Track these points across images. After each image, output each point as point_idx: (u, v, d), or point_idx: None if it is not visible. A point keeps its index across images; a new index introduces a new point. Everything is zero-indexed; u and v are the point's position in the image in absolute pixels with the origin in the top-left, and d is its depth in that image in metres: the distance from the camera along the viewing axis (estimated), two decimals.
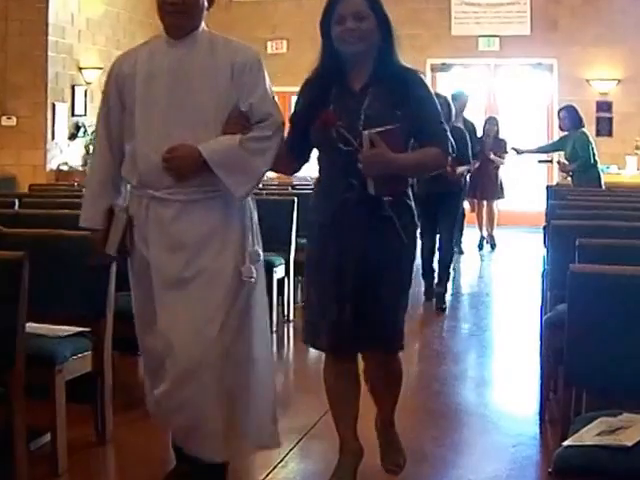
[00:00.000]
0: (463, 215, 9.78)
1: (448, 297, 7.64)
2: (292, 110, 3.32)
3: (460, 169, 7.17)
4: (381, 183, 3.08)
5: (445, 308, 7.36)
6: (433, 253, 7.47)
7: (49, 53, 12.05)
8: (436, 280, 7.49)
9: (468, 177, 8.06)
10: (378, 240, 3.14)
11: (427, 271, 7.56)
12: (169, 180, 3.11)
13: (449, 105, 7.10)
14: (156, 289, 3.17)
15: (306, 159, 3.34)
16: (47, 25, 11.95)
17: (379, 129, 3.02)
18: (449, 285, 7.75)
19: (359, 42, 3.12)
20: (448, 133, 3.21)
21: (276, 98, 3.23)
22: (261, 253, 3.30)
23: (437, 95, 7.17)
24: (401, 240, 3.15)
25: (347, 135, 3.08)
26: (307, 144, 3.24)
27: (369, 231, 3.14)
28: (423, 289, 7.59)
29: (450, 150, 3.20)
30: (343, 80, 3.19)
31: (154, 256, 3.17)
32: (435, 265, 7.53)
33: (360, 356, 3.33)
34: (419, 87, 3.21)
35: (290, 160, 3.27)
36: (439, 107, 3.25)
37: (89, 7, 12.83)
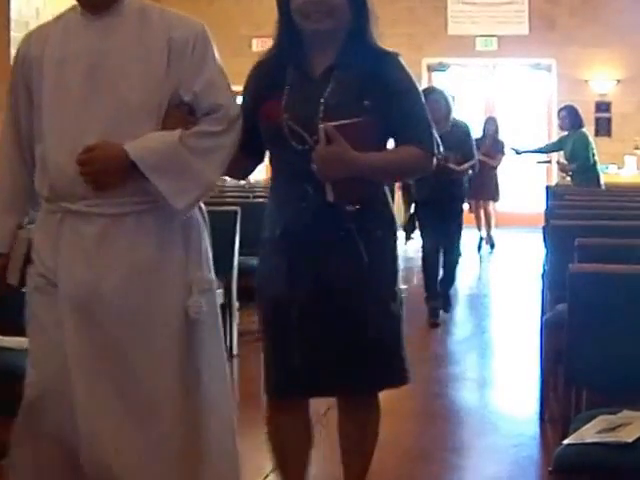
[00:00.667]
0: None
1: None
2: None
3: (464, 165, 6.67)
4: (342, 188, 2.51)
5: (450, 307, 6.90)
6: (437, 266, 6.75)
7: (12, 50, 11.81)
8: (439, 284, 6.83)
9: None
10: (336, 260, 2.59)
11: (431, 293, 6.73)
12: (87, 189, 2.38)
13: (446, 99, 6.60)
14: (70, 345, 2.39)
15: (260, 159, 2.77)
16: (9, 21, 11.41)
17: (339, 122, 2.46)
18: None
19: (326, 18, 2.53)
20: (433, 129, 2.64)
21: (231, 85, 2.54)
22: (213, 281, 2.59)
23: (433, 89, 7.00)
24: (361, 258, 2.58)
25: (300, 130, 2.53)
26: (259, 141, 2.65)
27: (325, 249, 2.59)
28: (427, 311, 6.73)
29: (435, 150, 2.64)
30: (302, 63, 2.62)
31: (67, 295, 2.40)
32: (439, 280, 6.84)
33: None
34: (395, 71, 2.61)
35: (240, 160, 2.59)
36: (422, 97, 2.66)
37: (55, 1, 12.50)
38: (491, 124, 11.50)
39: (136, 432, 2.41)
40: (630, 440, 2.38)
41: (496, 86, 14.65)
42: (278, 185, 2.70)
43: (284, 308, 2.62)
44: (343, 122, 2.46)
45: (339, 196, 2.52)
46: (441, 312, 6.84)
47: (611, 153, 12.62)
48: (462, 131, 6.76)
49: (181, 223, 2.49)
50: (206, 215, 2.63)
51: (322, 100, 2.55)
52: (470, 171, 7.00)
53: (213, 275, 2.60)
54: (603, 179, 9.58)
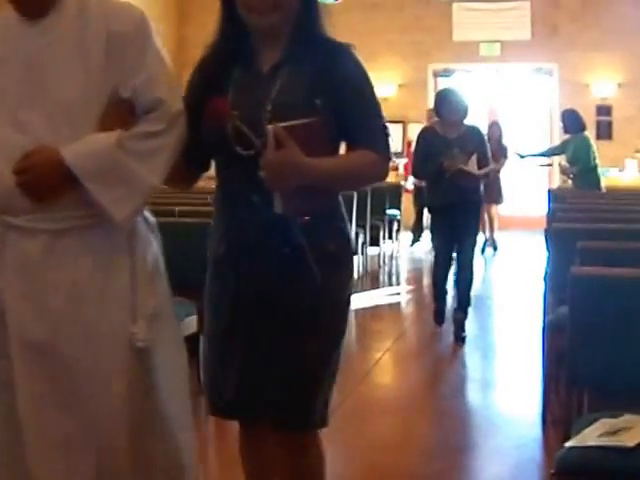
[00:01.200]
0: None
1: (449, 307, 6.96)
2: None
3: (484, 170, 6.31)
4: (292, 198, 2.23)
5: (465, 338, 6.37)
6: (448, 273, 6.59)
7: None
8: (454, 304, 6.64)
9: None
10: (285, 279, 2.33)
11: (439, 293, 6.63)
12: (28, 202, 2.17)
13: (464, 101, 6.31)
14: (17, 366, 2.21)
15: (204, 167, 2.47)
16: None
17: (289, 123, 2.20)
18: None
19: (272, 12, 2.31)
20: (388, 130, 2.41)
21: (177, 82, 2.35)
22: (166, 307, 2.35)
23: (451, 91, 6.59)
24: (314, 278, 2.31)
25: (247, 132, 2.27)
26: (202, 146, 2.36)
27: (273, 267, 2.33)
28: (433, 312, 6.71)
29: (391, 155, 2.42)
30: (248, 59, 2.39)
31: (13, 318, 2.20)
32: (449, 285, 6.68)
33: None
34: (348, 65, 2.36)
35: (181, 168, 2.33)
36: (375, 94, 2.42)
37: None
38: (495, 129, 11.57)
39: (80, 466, 2.22)
40: (631, 445, 2.40)
41: (499, 90, 14.71)
42: (223, 195, 2.43)
43: (230, 329, 2.41)
44: (294, 123, 2.21)
45: (288, 207, 2.24)
46: (459, 339, 6.46)
47: (612, 156, 12.67)
48: (477, 135, 6.45)
49: (126, 238, 2.27)
50: (154, 226, 2.40)
51: (270, 99, 2.31)
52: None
53: (165, 296, 2.37)
54: (604, 182, 9.61)
